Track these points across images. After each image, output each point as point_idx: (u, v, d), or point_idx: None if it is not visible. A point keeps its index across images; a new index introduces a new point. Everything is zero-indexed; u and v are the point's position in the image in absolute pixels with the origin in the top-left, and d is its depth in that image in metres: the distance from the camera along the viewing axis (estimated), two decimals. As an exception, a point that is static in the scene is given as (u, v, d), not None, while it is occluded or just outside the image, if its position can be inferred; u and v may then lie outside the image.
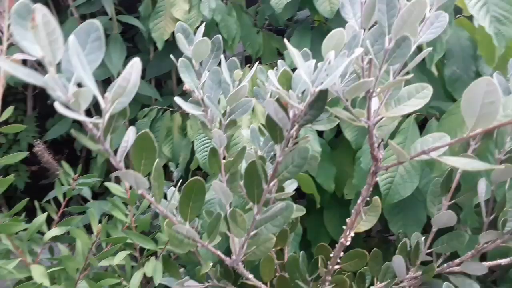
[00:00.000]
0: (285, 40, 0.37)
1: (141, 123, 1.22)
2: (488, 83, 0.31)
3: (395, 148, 0.37)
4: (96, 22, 0.34)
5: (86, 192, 1.05)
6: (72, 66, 0.32)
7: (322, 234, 1.06)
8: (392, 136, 0.90)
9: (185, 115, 1.20)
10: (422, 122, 0.95)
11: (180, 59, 0.49)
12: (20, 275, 0.76)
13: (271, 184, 0.43)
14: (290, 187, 0.70)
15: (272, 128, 0.40)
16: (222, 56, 0.48)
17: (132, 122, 1.32)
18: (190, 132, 1.14)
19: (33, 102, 1.67)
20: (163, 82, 1.50)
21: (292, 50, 0.32)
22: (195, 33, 0.52)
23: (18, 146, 1.54)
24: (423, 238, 0.63)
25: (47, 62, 0.32)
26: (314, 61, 0.36)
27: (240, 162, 0.50)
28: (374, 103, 0.40)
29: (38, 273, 0.74)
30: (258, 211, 0.45)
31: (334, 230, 1.03)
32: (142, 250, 0.88)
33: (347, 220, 0.53)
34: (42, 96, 1.66)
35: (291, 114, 0.38)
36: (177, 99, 0.47)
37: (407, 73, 0.39)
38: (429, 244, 0.62)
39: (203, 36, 0.51)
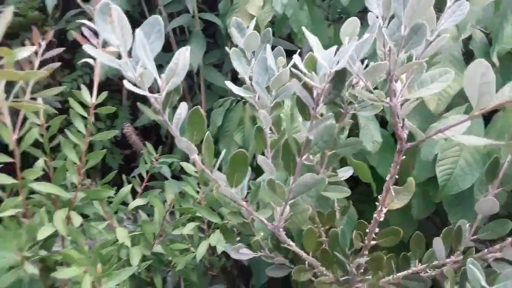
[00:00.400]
0: (303, 28, 0.42)
1: (216, 113, 1.32)
2: (485, 65, 0.34)
3: (412, 127, 0.40)
4: (159, 18, 0.43)
5: (166, 171, 1.19)
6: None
7: (381, 222, 1.07)
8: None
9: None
10: (489, 116, 0.92)
11: (232, 48, 0.56)
12: (107, 236, 0.90)
13: (304, 157, 0.48)
14: (346, 173, 0.74)
15: (301, 107, 0.46)
16: (268, 46, 0.55)
17: (209, 112, 1.44)
18: (260, 122, 1.21)
19: (127, 93, 1.88)
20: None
21: (309, 37, 0.37)
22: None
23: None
24: (468, 224, 0.64)
25: (121, 49, 0.42)
26: (335, 47, 0.41)
27: (283, 140, 0.56)
28: (399, 86, 0.43)
29: (122, 235, 0.87)
30: (293, 182, 0.51)
31: (392, 219, 1.04)
32: (209, 223, 0.98)
33: (379, 196, 0.56)
34: (135, 88, 1.85)
35: (314, 93, 0.43)
36: (228, 83, 0.54)
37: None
38: (474, 231, 0.63)
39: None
